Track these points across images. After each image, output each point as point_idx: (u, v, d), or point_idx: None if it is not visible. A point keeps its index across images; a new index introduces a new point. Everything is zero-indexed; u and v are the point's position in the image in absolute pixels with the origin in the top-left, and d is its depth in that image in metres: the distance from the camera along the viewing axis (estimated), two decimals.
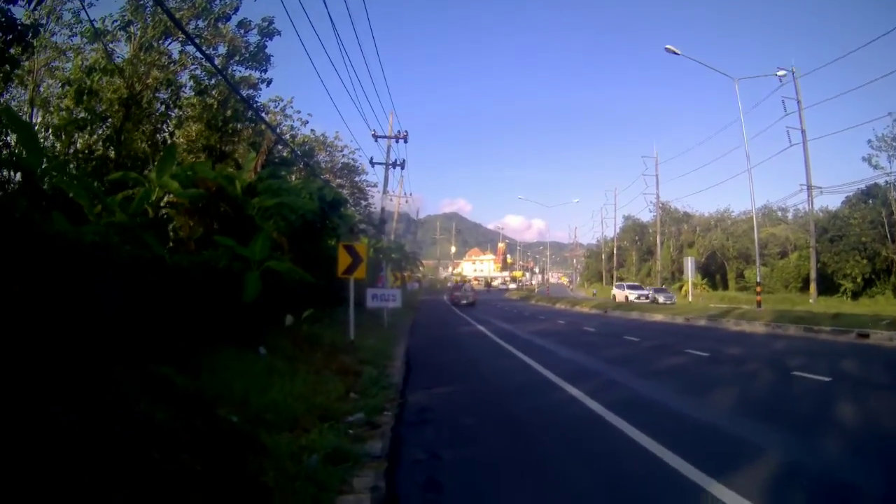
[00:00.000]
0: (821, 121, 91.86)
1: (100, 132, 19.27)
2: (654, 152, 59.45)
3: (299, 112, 41.31)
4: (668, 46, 26.88)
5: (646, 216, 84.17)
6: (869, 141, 40.30)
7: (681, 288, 62.20)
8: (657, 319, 26.78)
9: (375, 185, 55.31)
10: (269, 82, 23.43)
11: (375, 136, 35.13)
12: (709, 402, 8.44)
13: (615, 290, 52.69)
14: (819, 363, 11.77)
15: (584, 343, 17.01)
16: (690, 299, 40.36)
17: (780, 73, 28.87)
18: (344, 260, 13.76)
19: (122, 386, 5.21)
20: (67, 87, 18.75)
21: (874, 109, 58.22)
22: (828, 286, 40.84)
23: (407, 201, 57.49)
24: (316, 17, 14.48)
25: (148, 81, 19.69)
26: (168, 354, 7.47)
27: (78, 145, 18.85)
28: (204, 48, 18.55)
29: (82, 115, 18.41)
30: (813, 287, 34.62)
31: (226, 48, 21.15)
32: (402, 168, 38.38)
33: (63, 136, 18.42)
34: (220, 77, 19.99)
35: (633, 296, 45.16)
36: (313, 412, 6.82)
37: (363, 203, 55.07)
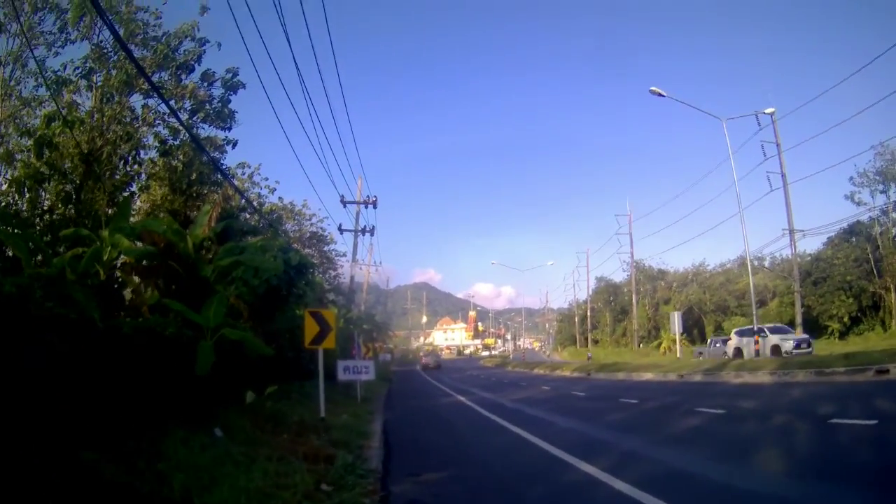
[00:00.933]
0: (798, 163, 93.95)
1: (60, 188, 17.80)
2: (627, 210, 59.62)
3: (267, 179, 40.47)
4: (652, 88, 26.75)
5: (619, 276, 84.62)
6: (851, 178, 40.79)
7: (659, 346, 61.79)
8: (648, 378, 25.42)
9: (344, 255, 53.43)
10: (234, 144, 22.27)
11: (344, 202, 34.24)
12: (756, 467, 7.09)
13: (736, 339, 31.20)
14: (852, 406, 10.60)
15: (580, 409, 15.50)
16: (679, 356, 38.94)
17: (769, 110, 28.57)
18: (311, 329, 12.24)
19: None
20: (29, 141, 17.48)
21: (853, 146, 59.62)
22: (813, 329, 40.20)
23: (377, 270, 56.34)
24: (282, 70, 13.54)
25: (108, 136, 18.49)
26: (100, 437, 5.98)
27: (41, 202, 17.41)
28: (168, 102, 17.42)
29: (42, 168, 17.09)
30: (799, 331, 33.68)
31: (190, 103, 20.03)
32: (372, 234, 37.37)
33: (26, 192, 16.99)
34: (184, 137, 19.01)
35: (787, 345, 26.96)
36: None
37: (332, 273, 53.16)
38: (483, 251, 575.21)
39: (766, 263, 64.60)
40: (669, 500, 5.68)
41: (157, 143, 20.11)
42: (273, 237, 18.06)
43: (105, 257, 11.57)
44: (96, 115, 18.17)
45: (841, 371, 16.39)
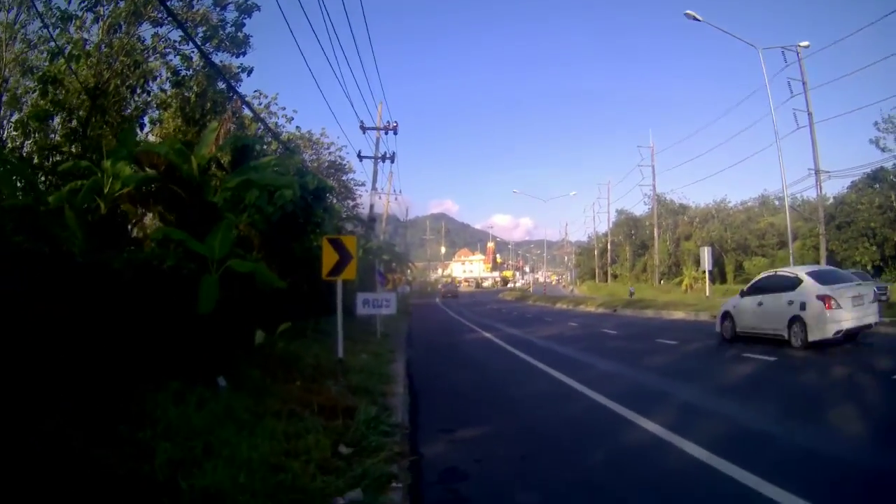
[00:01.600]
0: (828, 103, 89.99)
1: (67, 126, 17.01)
2: (649, 142, 57.38)
3: (284, 109, 39.27)
4: (688, 12, 24.53)
5: (640, 210, 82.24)
6: (875, 123, 38.22)
7: (681, 282, 60.35)
8: (679, 317, 24.36)
9: (363, 184, 52.56)
10: (249, 71, 21.05)
11: (363, 128, 32.65)
12: (842, 430, 6.07)
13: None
14: None
15: (617, 351, 14.44)
16: (708, 294, 37.44)
17: (804, 44, 26.32)
18: (329, 258, 11.01)
19: None
20: (34, 81, 16.71)
21: (879, 91, 56.39)
22: None
23: (397, 199, 55.11)
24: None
25: (115, 67, 17.27)
26: (79, 392, 5.03)
27: (49, 142, 16.69)
28: (182, 24, 16.20)
29: (48, 107, 16.34)
30: None
31: (203, 30, 18.85)
32: (392, 162, 35.76)
33: (33, 133, 16.44)
34: (196, 66, 18.20)
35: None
36: (281, 499, 4.18)
37: (350, 202, 52.08)
38: (502, 182, 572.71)
39: (788, 204, 62.76)
40: (766, 474, 4.58)
41: (168, 74, 19.02)
42: (288, 157, 16.72)
43: (106, 189, 10.45)
44: (104, 48, 17.17)
45: None
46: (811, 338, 11.92)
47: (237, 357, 8.73)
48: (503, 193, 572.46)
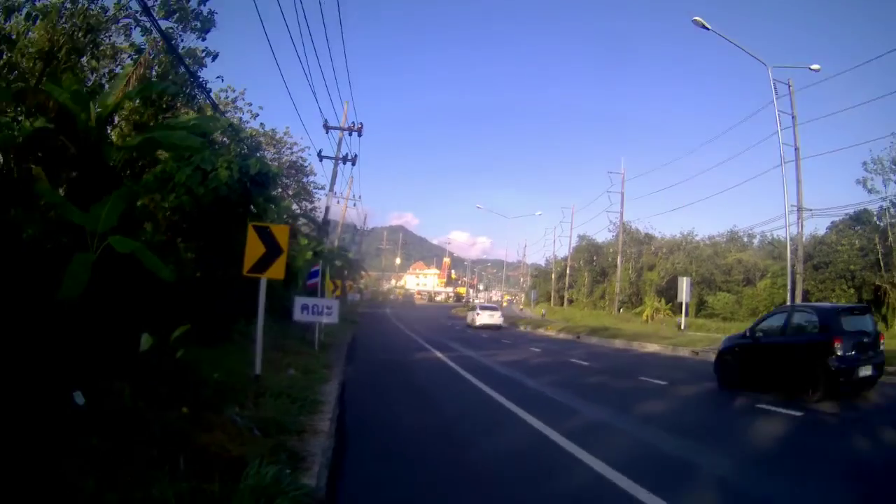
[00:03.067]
0: (812, 139, 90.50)
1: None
2: (621, 168, 56.83)
3: (250, 105, 37.40)
4: (696, 18, 22.82)
5: (602, 237, 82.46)
6: (864, 163, 37.63)
7: (641, 312, 59.00)
8: (654, 351, 22.45)
9: (323, 188, 49.47)
10: (214, 56, 19.02)
11: (327, 127, 30.44)
12: None
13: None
14: None
15: (597, 389, 12.17)
16: (683, 327, 35.22)
17: (815, 67, 24.97)
18: (254, 249, 8.62)
19: None
20: None
21: (868, 131, 56.94)
22: None
23: (355, 205, 52.78)
24: None
25: (67, 27, 15.49)
26: None
27: None
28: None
29: None
30: None
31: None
32: (354, 164, 33.34)
33: None
34: (158, 44, 16.01)
35: None
36: None
37: (307, 205, 49.38)
38: (463, 199, 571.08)
39: (756, 242, 62.94)
40: None
41: (131, 52, 17.14)
42: (214, 119, 14.29)
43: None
44: (66, 11, 15.59)
45: None
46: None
47: (109, 365, 6.38)
48: (463, 210, 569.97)
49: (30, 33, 14.98)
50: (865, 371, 10.38)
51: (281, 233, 8.84)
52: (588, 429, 7.85)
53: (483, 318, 40.35)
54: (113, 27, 17.48)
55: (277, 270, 8.64)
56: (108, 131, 12.39)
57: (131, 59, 17.58)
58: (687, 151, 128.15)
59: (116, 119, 13.53)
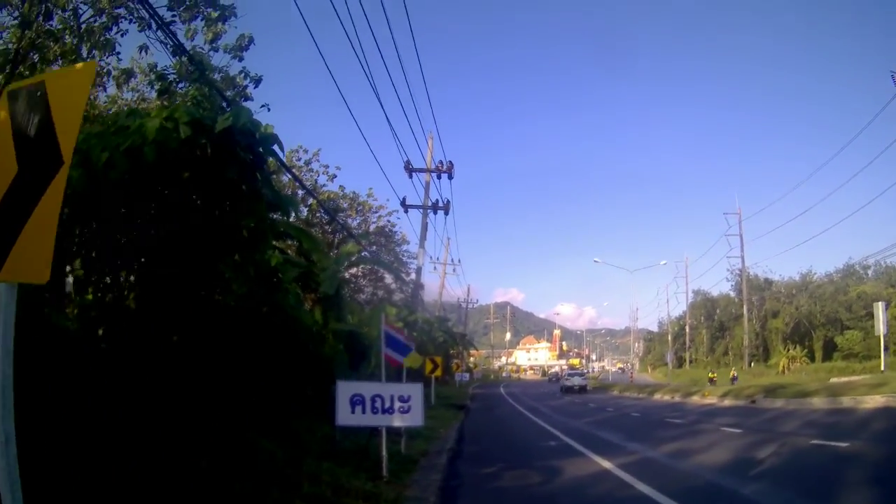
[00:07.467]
0: None
1: None
2: (735, 206, 50.61)
3: (327, 166, 35.33)
4: None
5: (719, 289, 79.72)
6: None
7: (777, 363, 53.73)
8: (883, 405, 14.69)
9: (414, 257, 43.67)
10: (257, 82, 15.12)
11: (410, 169, 24.98)
12: None
13: None
14: None
15: None
16: (883, 368, 26.29)
17: None
18: None
19: None
20: None
21: None
22: None
23: (455, 270, 46.67)
24: None
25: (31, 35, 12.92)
26: None
27: None
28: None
29: None
30: None
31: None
32: (447, 213, 27.19)
33: None
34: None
35: None
36: None
37: (403, 277, 43.29)
38: (566, 269, 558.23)
39: (871, 273, 59.55)
40: None
41: (154, 79, 14.26)
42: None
43: None
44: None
45: None
46: None
47: None
48: (567, 280, 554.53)
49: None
50: None
51: None
52: None
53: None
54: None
55: None
56: None
57: (154, 89, 14.58)
58: (801, 177, 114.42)
59: None
